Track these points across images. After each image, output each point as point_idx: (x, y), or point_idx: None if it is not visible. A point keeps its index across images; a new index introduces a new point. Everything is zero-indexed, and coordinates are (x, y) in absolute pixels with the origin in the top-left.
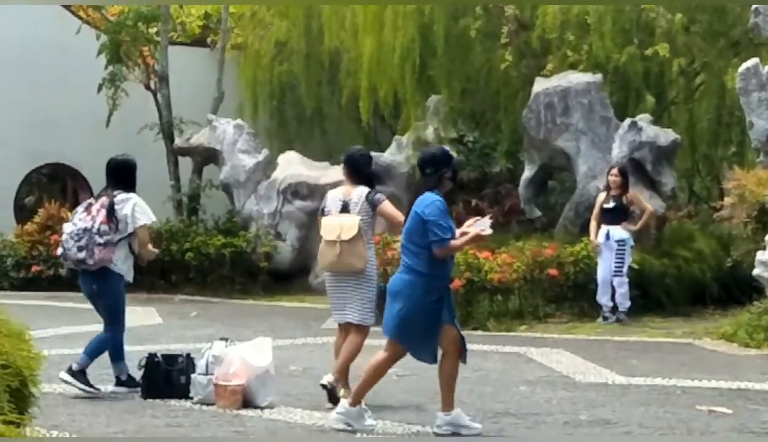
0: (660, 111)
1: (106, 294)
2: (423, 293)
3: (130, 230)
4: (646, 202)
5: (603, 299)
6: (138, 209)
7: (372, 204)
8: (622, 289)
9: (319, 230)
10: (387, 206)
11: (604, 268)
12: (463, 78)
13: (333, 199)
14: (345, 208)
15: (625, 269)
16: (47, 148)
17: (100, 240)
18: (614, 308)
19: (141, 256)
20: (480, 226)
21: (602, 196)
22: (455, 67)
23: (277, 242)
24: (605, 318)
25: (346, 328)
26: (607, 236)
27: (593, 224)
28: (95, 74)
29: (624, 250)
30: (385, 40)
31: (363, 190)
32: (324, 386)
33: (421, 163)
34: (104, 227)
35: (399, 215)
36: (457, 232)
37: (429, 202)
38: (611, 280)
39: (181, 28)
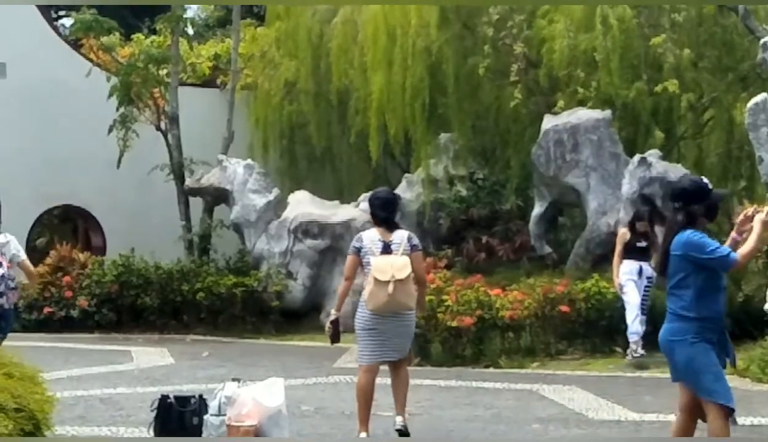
0: (669, 146)
1: (5, 332)
2: (694, 338)
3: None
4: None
5: (638, 326)
6: (18, 246)
7: (412, 247)
8: (644, 327)
9: (341, 269)
10: (420, 257)
11: (636, 295)
12: (473, 116)
13: (371, 240)
14: (387, 250)
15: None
16: (59, 190)
17: (12, 284)
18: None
19: (28, 286)
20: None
21: (626, 233)
22: (465, 105)
23: (288, 280)
24: (636, 352)
25: (392, 365)
26: (640, 271)
27: (616, 260)
28: (106, 116)
29: (651, 286)
30: (394, 78)
31: (404, 233)
32: (400, 431)
33: (671, 197)
34: (11, 272)
35: (424, 272)
36: (732, 235)
37: (684, 240)
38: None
39: (191, 69)
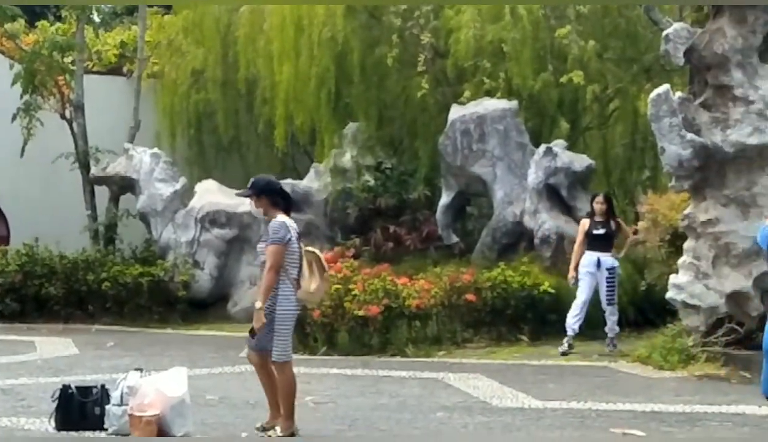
0: (575, 137)
1: None
2: None
3: None
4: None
5: (576, 322)
6: None
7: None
8: (615, 316)
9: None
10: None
11: (586, 291)
12: (381, 105)
13: (293, 228)
14: (299, 238)
15: (616, 297)
16: None
17: None
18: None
19: None
20: None
21: (586, 223)
22: (372, 94)
23: (195, 270)
24: (570, 346)
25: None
26: (598, 263)
27: (577, 250)
28: (9, 104)
29: (614, 278)
30: (300, 68)
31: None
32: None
33: None
34: None
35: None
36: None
37: None
38: (605, 307)
39: (97, 57)
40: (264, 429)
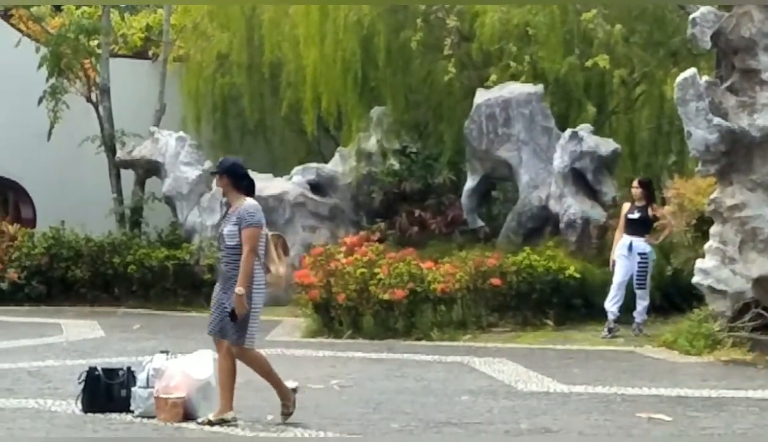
0: (601, 121)
1: None
2: None
3: None
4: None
5: (614, 306)
6: None
7: None
8: (645, 302)
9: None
10: None
11: (621, 273)
12: (406, 89)
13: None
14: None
15: (647, 282)
16: None
17: None
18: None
19: None
20: None
21: (626, 206)
22: (397, 79)
23: (220, 253)
24: (610, 330)
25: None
26: (630, 247)
27: (617, 235)
28: (36, 87)
29: (647, 263)
30: (326, 52)
31: None
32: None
33: None
34: None
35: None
36: None
37: None
38: (635, 291)
39: (122, 41)
40: (283, 414)
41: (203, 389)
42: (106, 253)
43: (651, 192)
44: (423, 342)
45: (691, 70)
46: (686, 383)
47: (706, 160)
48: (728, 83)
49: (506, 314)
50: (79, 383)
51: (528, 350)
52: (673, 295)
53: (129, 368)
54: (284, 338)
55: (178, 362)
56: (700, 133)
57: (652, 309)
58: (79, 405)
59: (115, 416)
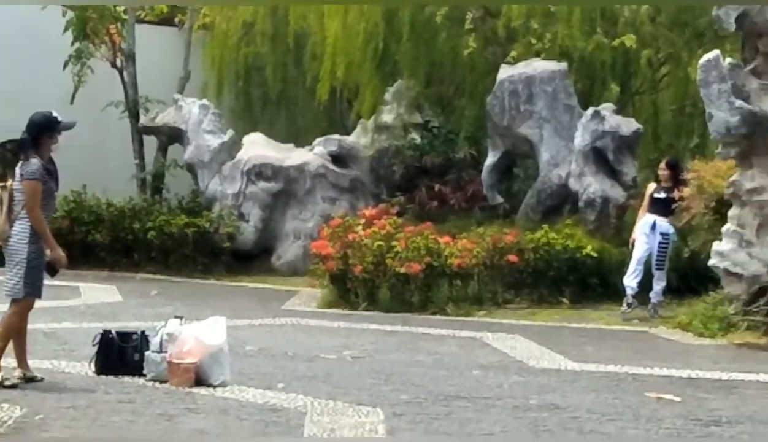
0: (624, 101)
1: None
2: None
3: None
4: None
5: (633, 280)
6: None
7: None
8: (662, 282)
9: None
10: None
11: (641, 249)
12: (428, 63)
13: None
14: None
15: (666, 264)
16: (12, 125)
17: None
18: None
19: None
20: None
21: (652, 186)
22: (420, 52)
23: (240, 222)
24: (629, 305)
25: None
26: (653, 226)
27: (640, 213)
28: (61, 51)
29: (668, 244)
30: (349, 23)
31: None
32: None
33: None
34: None
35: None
36: None
37: None
38: (653, 271)
39: (149, 7)
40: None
41: (216, 354)
42: (126, 218)
43: (678, 174)
44: (438, 316)
45: (714, 52)
46: (698, 365)
47: (727, 142)
48: (752, 66)
49: (522, 291)
50: (93, 345)
51: (542, 328)
52: (689, 277)
53: (143, 333)
54: (300, 307)
55: (191, 328)
56: (721, 115)
57: (668, 291)
58: (93, 367)
59: (127, 379)
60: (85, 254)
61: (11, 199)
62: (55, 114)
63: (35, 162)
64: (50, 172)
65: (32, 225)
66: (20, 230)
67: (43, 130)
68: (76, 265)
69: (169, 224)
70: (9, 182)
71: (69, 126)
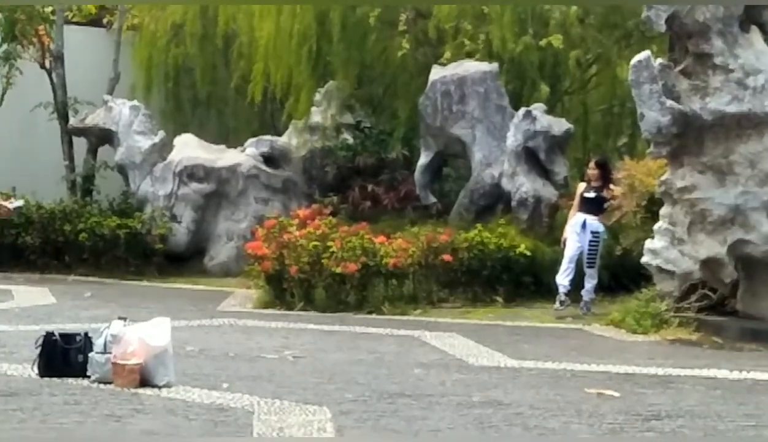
0: (554, 101)
1: None
2: None
3: None
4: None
5: (565, 279)
6: None
7: None
8: (594, 280)
9: None
10: None
11: (572, 248)
12: (361, 65)
13: None
14: None
15: (597, 261)
16: None
17: None
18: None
19: None
20: None
21: (582, 186)
22: (352, 53)
23: (172, 224)
24: (562, 303)
25: None
26: (584, 225)
27: (571, 213)
28: None
29: (598, 242)
30: (282, 25)
31: None
32: None
33: None
34: None
35: None
36: None
37: None
38: (585, 269)
39: (77, 8)
40: None
41: (161, 355)
42: (57, 220)
43: (607, 173)
44: (374, 316)
45: (646, 53)
46: (634, 361)
47: (658, 142)
48: (681, 67)
49: (457, 290)
50: (36, 347)
51: (478, 326)
52: (621, 275)
53: (86, 334)
54: (236, 308)
55: (135, 329)
56: (652, 115)
57: (600, 288)
58: (36, 369)
59: (71, 380)
60: (16, 256)
61: None
62: None
63: None
64: None
65: None
66: None
67: None
68: (7, 268)
69: (100, 225)
70: None
71: None
